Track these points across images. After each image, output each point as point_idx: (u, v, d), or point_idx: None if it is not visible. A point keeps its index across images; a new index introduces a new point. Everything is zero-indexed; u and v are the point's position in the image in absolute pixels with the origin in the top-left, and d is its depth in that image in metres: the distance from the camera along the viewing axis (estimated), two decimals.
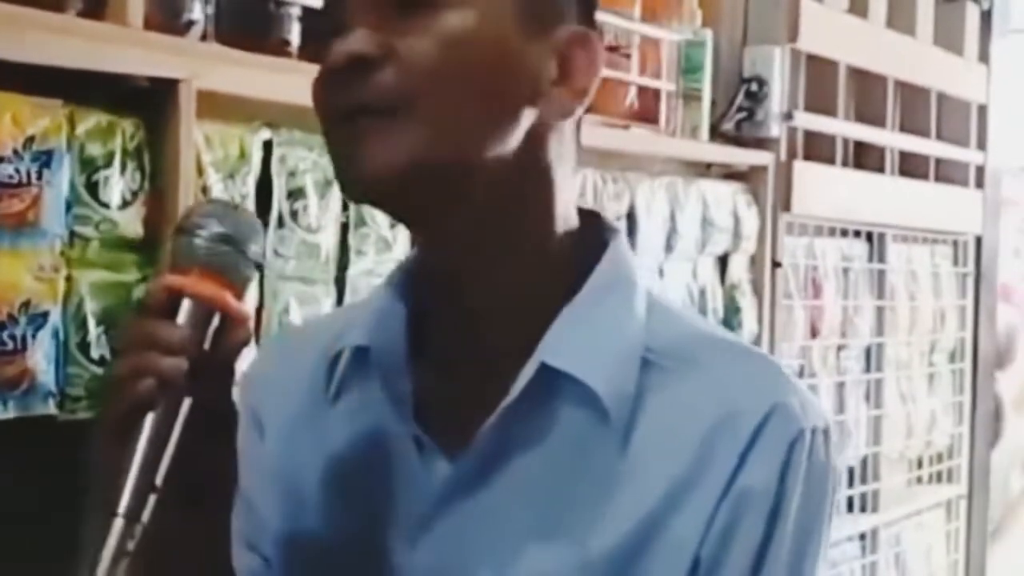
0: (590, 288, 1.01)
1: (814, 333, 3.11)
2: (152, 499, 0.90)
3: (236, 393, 1.00)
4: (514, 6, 0.98)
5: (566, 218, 1.03)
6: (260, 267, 0.97)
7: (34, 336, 1.46)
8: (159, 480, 0.91)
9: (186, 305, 0.92)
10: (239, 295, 0.95)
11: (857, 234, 3.29)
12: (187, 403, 0.92)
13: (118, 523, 0.90)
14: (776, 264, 2.86)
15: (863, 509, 3.35)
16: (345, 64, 0.94)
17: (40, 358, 1.47)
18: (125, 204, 1.56)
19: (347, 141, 0.96)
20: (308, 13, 1.79)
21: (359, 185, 0.97)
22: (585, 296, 1.01)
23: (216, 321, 0.93)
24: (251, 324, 0.97)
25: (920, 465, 3.71)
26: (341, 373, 1.06)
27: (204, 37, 1.68)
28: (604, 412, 0.98)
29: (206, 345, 0.93)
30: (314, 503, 1.06)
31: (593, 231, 1.05)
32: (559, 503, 0.98)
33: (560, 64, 1.00)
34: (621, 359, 1.00)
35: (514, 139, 0.98)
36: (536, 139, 1.00)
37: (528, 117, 0.99)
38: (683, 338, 1.03)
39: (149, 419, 0.91)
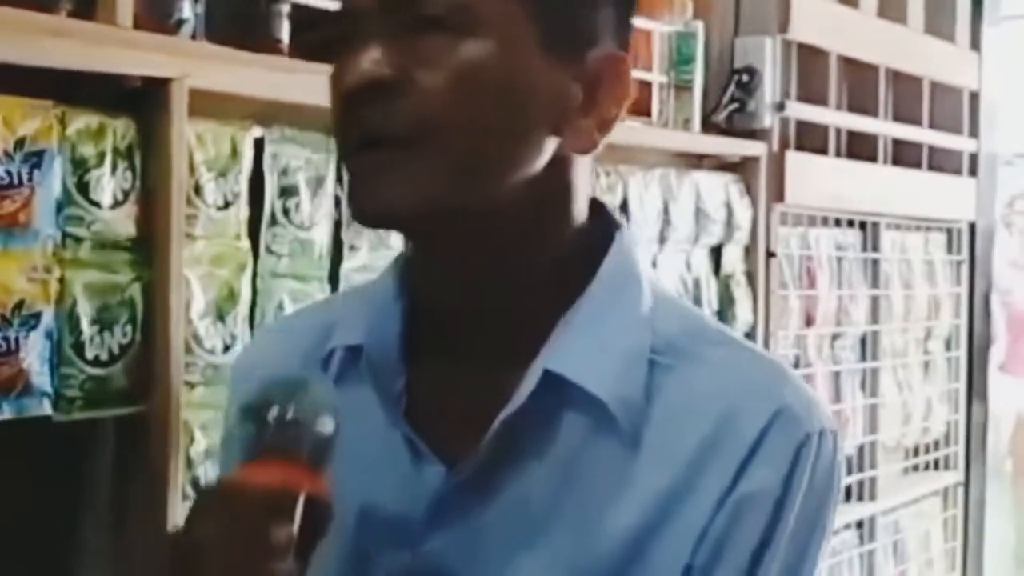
0: (595, 289, 0.99)
1: (809, 323, 3.11)
2: None
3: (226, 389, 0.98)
4: (537, 32, 0.93)
5: (579, 219, 1.00)
6: (336, 433, 0.93)
7: (27, 337, 1.46)
8: None
9: (271, 497, 0.89)
10: (317, 476, 0.91)
11: (851, 223, 3.29)
12: None
13: None
14: (770, 254, 2.86)
15: (860, 498, 3.36)
16: (362, 88, 0.91)
17: (34, 359, 1.46)
18: (117, 204, 1.55)
19: (363, 172, 0.94)
20: (304, 14, 1.79)
21: (373, 218, 0.96)
22: (590, 297, 0.98)
23: (300, 508, 0.90)
24: (332, 505, 0.93)
25: (917, 453, 3.72)
26: (333, 373, 1.03)
27: (195, 36, 1.68)
28: (612, 421, 0.95)
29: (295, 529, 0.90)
30: None
31: (598, 224, 1.02)
32: (561, 513, 0.96)
33: (587, 91, 0.96)
34: (628, 364, 0.97)
35: (535, 168, 0.95)
36: (559, 164, 0.97)
37: (551, 146, 0.95)
38: (687, 334, 1.00)
39: None
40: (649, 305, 1.00)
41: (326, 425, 0.92)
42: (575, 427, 0.96)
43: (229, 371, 1.17)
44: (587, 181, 1.01)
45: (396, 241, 1.94)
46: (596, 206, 1.03)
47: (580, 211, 1.00)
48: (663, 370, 0.97)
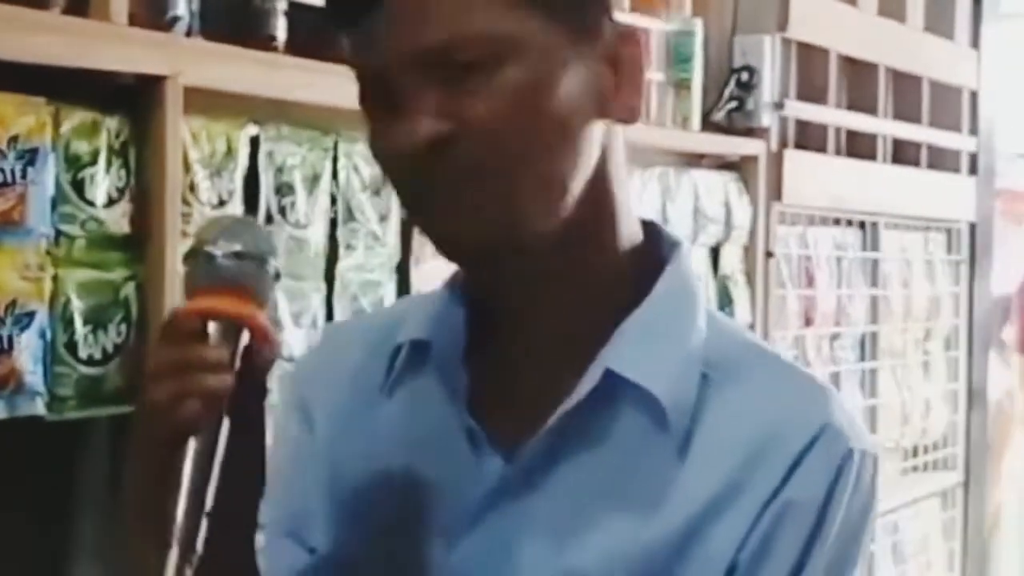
0: (653, 299, 1.03)
1: (808, 322, 3.11)
2: (204, 525, 0.88)
3: (276, 397, 0.99)
4: (559, 31, 0.96)
5: (630, 229, 1.05)
6: (278, 278, 0.95)
7: (21, 336, 1.45)
8: (208, 505, 0.88)
9: (213, 327, 0.90)
10: (262, 310, 0.93)
11: (850, 222, 3.29)
12: (227, 424, 0.90)
13: (173, 553, 0.87)
14: (769, 254, 2.85)
15: None
16: (423, 148, 0.93)
17: (27, 358, 1.46)
18: (111, 202, 1.55)
19: (438, 212, 0.96)
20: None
21: (462, 256, 0.99)
22: (648, 307, 1.03)
23: (245, 339, 0.91)
24: (278, 340, 0.95)
25: (916, 453, 3.71)
26: (400, 366, 1.07)
27: (189, 33, 1.67)
28: (664, 419, 0.99)
29: (237, 365, 0.91)
30: (365, 493, 1.07)
31: (655, 244, 1.07)
32: (609, 506, 0.99)
33: (613, 66, 1.00)
34: (683, 369, 1.01)
35: (593, 158, 0.99)
36: (598, 176, 1.00)
37: (599, 132, 0.99)
38: (741, 354, 1.05)
39: (191, 444, 0.88)
40: (704, 322, 1.05)
41: (271, 262, 0.94)
42: (629, 425, 1.00)
43: (291, 369, 1.26)
44: (624, 179, 1.05)
45: (391, 239, 1.93)
46: (653, 228, 1.08)
47: (626, 211, 1.04)
48: (713, 383, 1.02)
